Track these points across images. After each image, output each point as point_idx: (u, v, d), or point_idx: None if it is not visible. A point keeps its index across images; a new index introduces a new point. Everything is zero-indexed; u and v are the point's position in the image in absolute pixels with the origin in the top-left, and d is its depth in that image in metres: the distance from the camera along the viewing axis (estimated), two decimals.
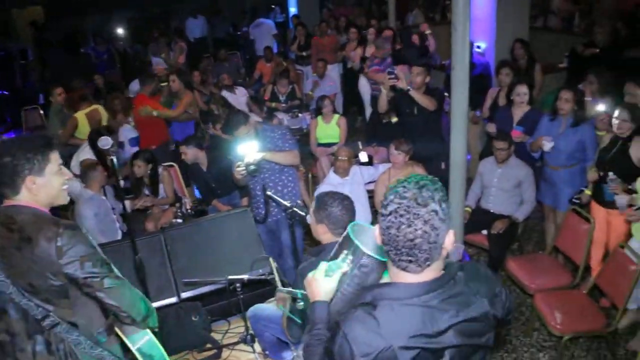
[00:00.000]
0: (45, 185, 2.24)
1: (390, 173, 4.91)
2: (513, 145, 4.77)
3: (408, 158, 4.90)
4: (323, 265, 1.95)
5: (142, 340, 2.53)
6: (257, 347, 3.73)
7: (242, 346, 3.80)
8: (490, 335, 1.69)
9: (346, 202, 2.87)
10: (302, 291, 2.23)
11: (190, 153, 5.21)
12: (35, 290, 2.17)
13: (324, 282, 1.91)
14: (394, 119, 6.08)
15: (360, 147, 5.70)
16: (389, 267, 1.67)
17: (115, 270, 2.32)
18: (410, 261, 1.57)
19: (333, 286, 1.92)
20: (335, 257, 1.98)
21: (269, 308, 3.44)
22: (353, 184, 4.89)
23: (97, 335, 2.34)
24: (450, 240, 1.59)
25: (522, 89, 4.95)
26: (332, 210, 2.81)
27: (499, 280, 1.77)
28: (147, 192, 5.40)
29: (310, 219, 2.98)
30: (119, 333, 2.49)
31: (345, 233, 1.98)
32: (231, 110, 6.66)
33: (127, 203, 4.84)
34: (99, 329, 2.37)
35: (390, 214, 1.55)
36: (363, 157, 5.47)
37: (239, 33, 13.72)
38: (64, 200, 2.38)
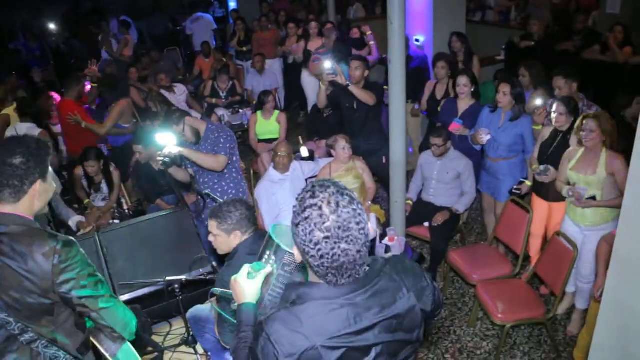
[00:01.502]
0: (46, 190, 2.16)
1: (331, 167, 4.88)
2: (450, 141, 4.81)
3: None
4: (245, 268, 1.92)
5: (120, 351, 2.44)
6: (200, 348, 3.65)
7: (184, 348, 3.72)
8: (419, 330, 1.68)
9: (239, 203, 2.92)
10: None
11: (146, 153, 5.07)
12: (19, 305, 2.04)
13: (247, 283, 1.88)
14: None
15: (301, 142, 5.65)
16: (309, 272, 1.64)
17: (108, 288, 2.22)
18: (336, 276, 1.54)
19: (257, 287, 1.89)
20: (260, 259, 1.95)
21: (208, 309, 3.36)
22: (293, 179, 4.84)
23: (77, 353, 2.24)
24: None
25: (463, 80, 4.98)
26: (236, 214, 2.84)
27: (425, 274, 1.73)
28: (104, 188, 5.22)
29: (213, 243, 2.99)
30: (94, 342, 2.40)
31: (267, 235, 1.94)
32: (169, 106, 6.49)
33: (77, 217, 4.59)
34: (78, 345, 2.25)
35: (317, 242, 1.50)
36: (304, 152, 5.43)
37: (178, 28, 13.41)
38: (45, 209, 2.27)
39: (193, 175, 4.24)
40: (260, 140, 6.43)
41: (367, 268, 1.60)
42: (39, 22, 12.33)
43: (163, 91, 7.51)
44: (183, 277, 3.30)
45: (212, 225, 2.88)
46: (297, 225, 1.53)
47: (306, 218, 1.50)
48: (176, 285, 3.31)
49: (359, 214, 1.52)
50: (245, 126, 7.04)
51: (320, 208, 1.49)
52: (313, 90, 8.21)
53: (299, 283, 1.65)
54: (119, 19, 11.41)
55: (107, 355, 2.41)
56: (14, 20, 12.61)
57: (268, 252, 1.91)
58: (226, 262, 2.95)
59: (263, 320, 1.57)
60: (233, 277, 1.92)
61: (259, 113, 6.46)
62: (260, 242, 2.06)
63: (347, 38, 8.02)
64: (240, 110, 7.26)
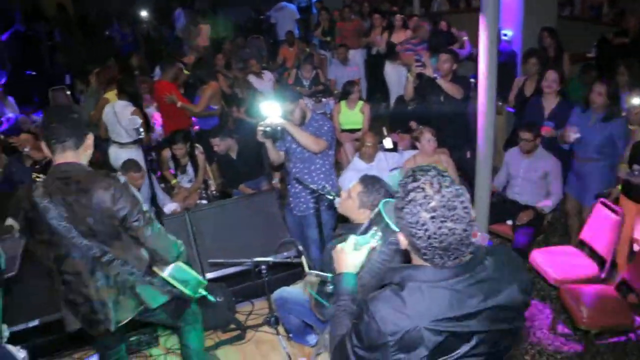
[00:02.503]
0: (91, 145, 2.57)
1: (415, 159, 4.87)
2: (539, 137, 4.69)
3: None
4: (352, 239, 2.00)
5: (171, 268, 2.75)
6: (281, 329, 3.76)
7: (265, 328, 3.84)
8: (519, 322, 1.69)
9: (387, 190, 2.86)
10: (332, 275, 2.24)
11: (223, 144, 5.24)
12: (94, 233, 2.45)
13: (351, 255, 1.97)
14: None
15: (385, 133, 5.66)
16: (412, 254, 1.67)
17: (155, 219, 2.62)
18: (443, 257, 1.57)
19: (360, 260, 1.97)
20: (365, 232, 2.02)
21: (294, 291, 3.43)
22: (378, 169, 4.85)
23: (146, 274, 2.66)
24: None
25: (552, 76, 4.85)
26: (379, 198, 2.77)
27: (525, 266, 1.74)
28: (190, 171, 5.43)
29: (341, 201, 2.96)
30: (154, 268, 2.74)
31: (376, 210, 1.98)
32: (255, 93, 6.65)
33: (173, 205, 4.87)
34: (145, 268, 2.66)
35: (424, 223, 1.53)
36: (388, 143, 5.44)
37: (261, 17, 13.64)
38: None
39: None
40: (343, 130, 6.49)
41: (470, 256, 1.61)
42: (132, 10, 12.84)
43: (252, 77, 7.69)
44: (270, 259, 3.39)
45: (357, 188, 2.88)
46: (401, 209, 1.57)
47: (410, 200, 1.54)
48: (263, 267, 3.41)
49: (461, 193, 1.55)
50: (328, 115, 7.11)
51: (423, 189, 1.54)
52: (395, 82, 8.21)
53: (403, 266, 1.69)
54: (194, 9, 11.70)
55: (165, 276, 2.72)
56: (109, 8, 13.18)
57: (375, 228, 1.96)
58: (335, 233, 2.99)
59: (368, 299, 1.62)
60: (339, 246, 2.00)
61: (343, 103, 6.52)
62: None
63: (434, 31, 7.94)
64: (323, 100, 7.34)
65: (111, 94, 6.31)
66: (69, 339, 3.83)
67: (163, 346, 3.87)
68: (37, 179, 4.62)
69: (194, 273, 2.84)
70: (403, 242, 1.64)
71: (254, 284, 3.79)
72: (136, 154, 5.17)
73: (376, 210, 2.01)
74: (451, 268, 1.58)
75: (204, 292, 2.89)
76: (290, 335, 3.67)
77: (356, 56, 8.99)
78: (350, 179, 4.85)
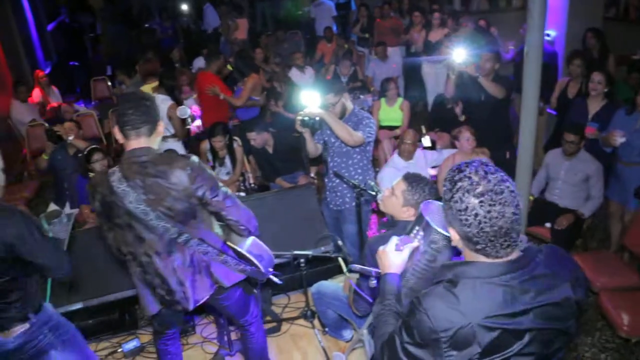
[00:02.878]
0: (162, 132, 2.63)
1: (455, 159, 4.85)
2: (584, 139, 4.62)
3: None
4: (394, 240, 2.02)
5: (249, 243, 2.86)
6: (316, 323, 3.79)
7: (301, 321, 3.87)
8: (573, 322, 1.66)
9: (433, 189, 2.86)
10: (376, 269, 2.26)
11: (260, 138, 5.28)
12: (173, 213, 2.50)
13: (394, 255, 2.00)
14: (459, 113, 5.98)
15: (424, 131, 5.64)
16: (465, 250, 1.67)
17: (230, 192, 2.69)
18: (495, 245, 1.57)
19: (403, 260, 1.99)
20: (408, 233, 2.03)
21: (332, 285, 3.46)
22: (417, 167, 4.85)
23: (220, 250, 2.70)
24: None
25: (598, 77, 4.77)
26: (424, 196, 2.79)
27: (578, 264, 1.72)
28: (228, 163, 5.50)
29: (383, 198, 2.97)
30: (230, 244, 2.82)
31: (419, 210, 2.00)
32: (295, 87, 6.69)
33: None
34: (220, 244, 2.72)
35: (473, 208, 1.54)
36: (426, 141, 5.42)
37: (299, 12, 13.69)
38: None
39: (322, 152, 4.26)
40: (381, 127, 6.48)
41: (522, 253, 1.61)
42: (173, 4, 13.03)
43: (294, 70, 7.74)
44: (310, 253, 3.42)
45: (401, 186, 2.87)
46: (449, 200, 1.59)
47: (458, 189, 1.57)
48: (302, 260, 3.44)
49: (506, 178, 1.57)
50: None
51: (469, 178, 1.56)
52: (432, 80, 8.16)
53: (455, 262, 1.69)
54: (233, 3, 11.79)
55: (242, 250, 2.80)
56: (151, 2, 13.40)
57: (417, 228, 1.98)
58: (379, 230, 3.00)
59: (420, 295, 1.62)
60: (381, 248, 2.04)
61: (382, 100, 6.52)
62: None
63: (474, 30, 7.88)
64: (361, 96, 7.34)
65: (149, 87, 6.43)
66: (108, 324, 3.95)
67: (199, 335, 3.95)
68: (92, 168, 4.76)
69: (267, 249, 2.91)
70: (454, 236, 1.65)
71: (291, 277, 3.81)
72: (176, 146, 5.26)
73: (419, 210, 2.03)
74: (504, 264, 1.58)
75: (273, 272, 2.94)
76: (326, 329, 3.70)
77: (394, 54, 8.95)
78: (389, 176, 4.86)
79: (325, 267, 3.91)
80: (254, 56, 8.25)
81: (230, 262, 2.68)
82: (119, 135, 2.53)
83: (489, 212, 1.52)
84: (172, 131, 5.37)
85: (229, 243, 2.80)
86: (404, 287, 1.97)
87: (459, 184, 1.57)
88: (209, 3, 12.17)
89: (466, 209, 1.55)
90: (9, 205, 2.51)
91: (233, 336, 3.65)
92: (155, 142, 2.58)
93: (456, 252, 1.92)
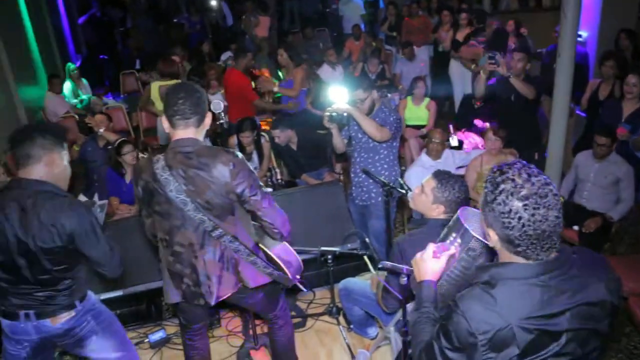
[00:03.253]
0: (209, 124, 2.63)
1: (482, 159, 4.82)
2: (616, 142, 4.56)
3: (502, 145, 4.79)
4: (431, 247, 2.00)
5: (279, 247, 2.87)
6: (341, 319, 3.80)
7: (326, 317, 3.88)
8: (608, 322, 1.65)
9: (463, 186, 2.84)
10: (407, 267, 2.27)
11: (283, 136, 5.29)
12: (211, 206, 2.51)
13: (431, 262, 1.98)
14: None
15: (452, 131, 5.62)
16: (502, 251, 1.66)
17: (269, 194, 2.70)
18: (536, 248, 1.56)
19: (441, 267, 1.97)
20: (444, 239, 2.02)
21: (360, 282, 3.46)
22: (444, 167, 4.81)
23: (252, 249, 2.70)
24: None
25: (633, 79, 4.69)
26: (453, 193, 2.77)
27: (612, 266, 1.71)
28: (255, 159, 5.53)
29: (413, 196, 2.97)
30: (261, 246, 2.85)
31: (455, 217, 2.00)
32: (322, 84, 6.71)
33: None
34: (252, 245, 2.72)
35: (517, 211, 1.52)
36: (453, 141, 5.40)
37: (327, 10, 13.71)
38: None
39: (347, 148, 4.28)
40: (407, 126, 6.46)
41: (557, 254, 1.60)
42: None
43: (326, 66, 7.76)
44: (337, 249, 3.43)
45: (431, 183, 2.86)
46: (492, 202, 1.57)
47: (501, 191, 1.55)
48: (329, 256, 3.46)
49: (550, 181, 1.55)
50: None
51: (513, 180, 1.55)
52: (459, 79, 8.11)
53: (490, 264, 1.69)
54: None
55: (271, 254, 2.83)
56: None
57: (454, 235, 1.97)
58: (408, 229, 3.00)
59: (457, 298, 1.62)
60: (419, 254, 2.02)
61: (409, 98, 6.51)
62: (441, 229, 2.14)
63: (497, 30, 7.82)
64: (389, 95, 7.32)
65: (155, 85, 6.47)
66: (136, 315, 4.01)
67: (225, 328, 3.99)
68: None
69: (296, 255, 2.92)
70: (493, 238, 1.64)
71: (318, 272, 3.83)
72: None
73: (454, 217, 2.02)
74: (540, 264, 1.58)
75: (300, 280, 2.94)
76: (351, 326, 3.71)
77: (422, 52, 8.91)
78: (416, 175, 4.85)
79: (351, 264, 3.92)
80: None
81: (260, 263, 2.68)
82: (166, 124, 2.55)
83: (533, 215, 1.51)
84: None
85: (260, 245, 2.82)
86: (438, 294, 1.97)
87: (502, 185, 1.55)
88: (224, 1, 12.33)
89: (509, 211, 1.54)
90: (76, 199, 2.59)
91: (258, 330, 3.67)
92: (201, 134, 2.59)
93: (490, 258, 1.92)
